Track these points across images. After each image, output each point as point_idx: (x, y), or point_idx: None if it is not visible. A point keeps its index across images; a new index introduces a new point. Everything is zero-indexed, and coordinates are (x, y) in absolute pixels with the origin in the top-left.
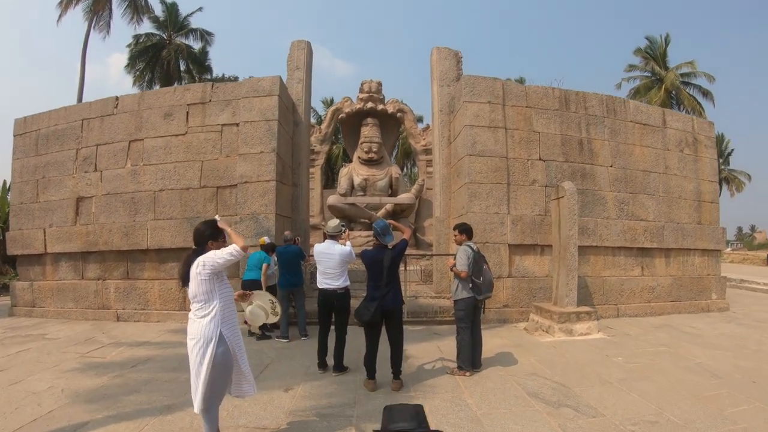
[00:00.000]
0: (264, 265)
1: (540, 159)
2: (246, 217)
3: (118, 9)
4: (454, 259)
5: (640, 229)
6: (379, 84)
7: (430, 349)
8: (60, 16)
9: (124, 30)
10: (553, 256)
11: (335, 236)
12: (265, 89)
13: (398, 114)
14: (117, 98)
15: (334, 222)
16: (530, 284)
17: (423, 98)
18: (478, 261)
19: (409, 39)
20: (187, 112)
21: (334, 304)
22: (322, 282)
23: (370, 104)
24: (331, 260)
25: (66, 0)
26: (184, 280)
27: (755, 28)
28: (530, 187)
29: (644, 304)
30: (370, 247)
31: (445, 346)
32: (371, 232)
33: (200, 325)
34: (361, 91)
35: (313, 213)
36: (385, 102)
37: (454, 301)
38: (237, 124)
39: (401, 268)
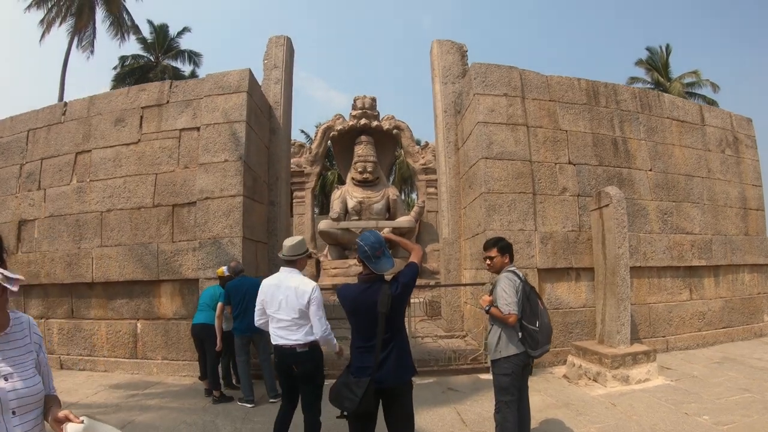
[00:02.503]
0: (219, 304)
1: (570, 162)
2: (206, 241)
3: (102, 26)
4: (491, 294)
5: (687, 245)
6: (373, 100)
7: (447, 417)
8: (43, 35)
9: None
10: (596, 282)
11: (295, 261)
12: (232, 85)
13: (394, 131)
14: (65, 104)
15: (291, 240)
16: (565, 318)
17: (421, 120)
18: (530, 296)
19: (406, 58)
20: (141, 117)
21: (293, 370)
22: (275, 335)
23: (363, 121)
24: (285, 301)
25: (49, 18)
26: None
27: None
28: (560, 197)
29: (695, 334)
30: (355, 280)
31: (468, 412)
32: None
33: None
34: (354, 107)
35: None
36: (380, 119)
37: (494, 360)
38: (198, 128)
39: None
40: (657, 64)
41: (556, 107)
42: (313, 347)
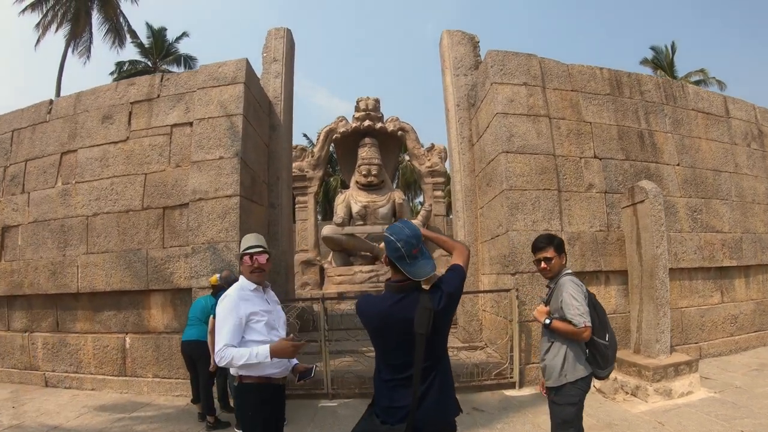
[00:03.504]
0: (211, 318)
1: (595, 157)
2: (201, 247)
3: (98, 31)
4: (547, 303)
5: (718, 244)
6: (377, 101)
7: None
8: (38, 40)
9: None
10: (630, 286)
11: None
12: (227, 76)
13: (399, 133)
14: (51, 101)
15: (246, 237)
16: None
17: (424, 125)
18: (596, 305)
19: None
20: (130, 113)
21: None
22: None
23: (367, 123)
24: None
25: (45, 22)
26: None
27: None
28: (586, 194)
29: (727, 339)
30: (361, 288)
31: None
32: (374, 267)
33: None
34: (357, 109)
35: (306, 247)
36: (384, 120)
37: (557, 387)
38: (190, 124)
39: None
40: (662, 63)
41: (578, 98)
42: (243, 385)
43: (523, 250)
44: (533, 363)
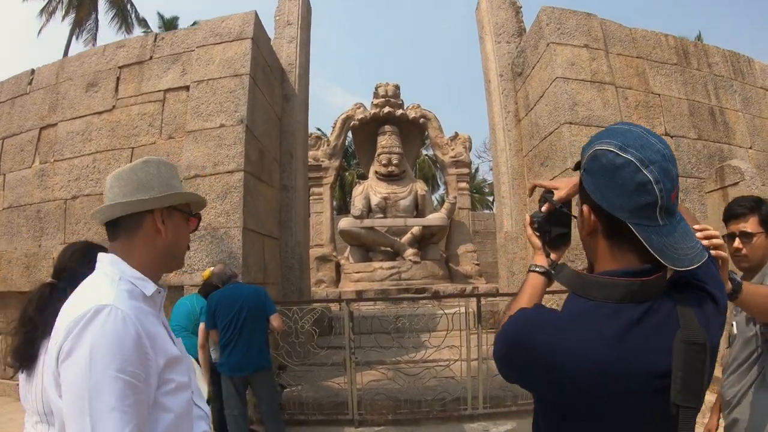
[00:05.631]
0: (201, 326)
1: (666, 134)
2: (195, 234)
3: (105, 20)
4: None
5: None
6: (397, 87)
7: None
8: (41, 28)
9: None
10: None
11: (117, 228)
12: (232, 31)
13: (421, 120)
14: (33, 71)
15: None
16: None
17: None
18: None
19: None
20: (118, 78)
21: None
22: None
23: (387, 109)
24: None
25: (49, 9)
26: None
27: None
28: None
29: None
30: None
31: None
32: (395, 264)
33: None
34: (376, 96)
35: (321, 241)
36: (405, 107)
37: None
38: (187, 88)
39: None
40: None
41: (644, 65)
42: None
43: None
44: None
